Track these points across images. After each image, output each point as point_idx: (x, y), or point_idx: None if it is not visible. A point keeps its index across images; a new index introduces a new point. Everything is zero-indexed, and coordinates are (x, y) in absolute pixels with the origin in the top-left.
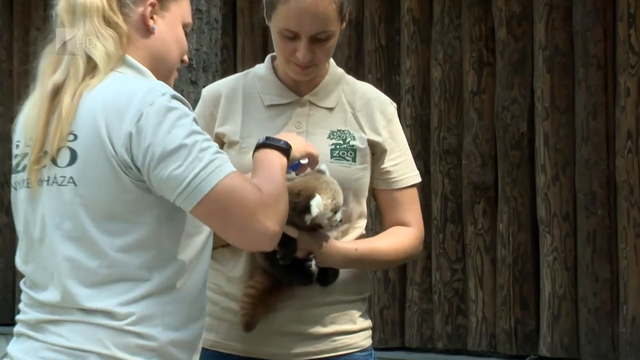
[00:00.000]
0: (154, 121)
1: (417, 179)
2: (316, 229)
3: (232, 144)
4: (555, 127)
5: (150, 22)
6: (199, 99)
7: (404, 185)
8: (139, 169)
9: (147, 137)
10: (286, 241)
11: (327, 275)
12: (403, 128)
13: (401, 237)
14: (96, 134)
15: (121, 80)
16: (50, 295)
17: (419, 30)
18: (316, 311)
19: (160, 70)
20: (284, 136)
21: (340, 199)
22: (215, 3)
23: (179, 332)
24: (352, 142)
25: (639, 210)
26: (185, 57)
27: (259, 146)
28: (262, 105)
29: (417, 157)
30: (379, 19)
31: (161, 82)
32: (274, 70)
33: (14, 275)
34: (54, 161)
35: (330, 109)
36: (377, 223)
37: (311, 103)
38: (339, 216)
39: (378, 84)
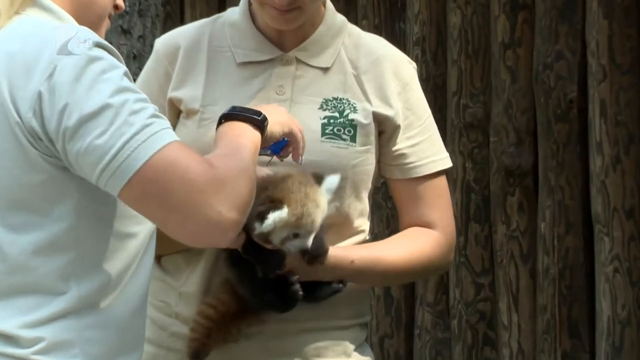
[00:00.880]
0: (71, 75)
1: (445, 163)
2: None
3: (190, 113)
4: (615, 92)
5: None
6: (132, 53)
7: (427, 173)
8: (51, 140)
9: (62, 96)
10: (270, 252)
11: (311, 289)
12: None
13: (419, 243)
14: None
15: (29, 25)
16: None
17: None
18: (295, 341)
19: (86, 17)
20: (261, 107)
21: (310, 224)
22: None
23: None
24: (351, 116)
25: None
26: (120, 1)
27: (224, 118)
28: (234, 62)
29: None
30: None
31: (83, 27)
32: (251, 16)
33: None
34: None
35: (325, 70)
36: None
37: (299, 61)
38: (298, 244)
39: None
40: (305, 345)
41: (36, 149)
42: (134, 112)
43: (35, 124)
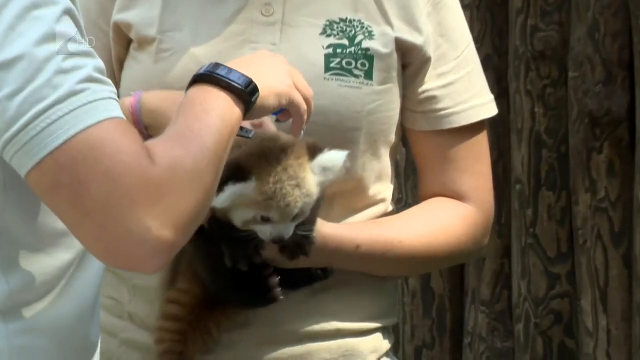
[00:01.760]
0: None
1: (488, 111)
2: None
3: (144, 42)
4: None
5: None
6: None
7: (463, 124)
8: None
9: None
10: (242, 235)
11: (303, 275)
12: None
13: (446, 220)
14: None
15: None
16: None
17: None
18: (289, 352)
19: None
20: (250, 63)
21: (284, 209)
22: None
23: None
24: (366, 43)
25: None
26: None
27: (198, 79)
28: None
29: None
30: None
31: None
32: None
33: None
34: None
35: None
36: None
37: None
38: (269, 231)
39: None
40: (308, 356)
41: None
42: (63, 72)
43: None
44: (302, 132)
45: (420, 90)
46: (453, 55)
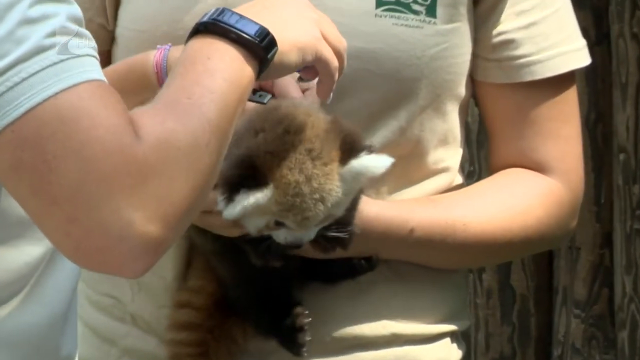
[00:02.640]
0: None
1: (580, 59)
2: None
3: None
4: None
5: None
6: None
7: (547, 75)
8: None
9: None
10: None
11: (343, 266)
12: None
13: (524, 198)
14: None
15: None
16: None
17: None
18: None
19: None
20: (265, 8)
21: (300, 222)
22: None
23: None
24: None
25: None
26: None
27: (199, 28)
28: None
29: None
30: None
31: None
32: None
33: None
34: None
35: None
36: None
37: None
38: (284, 236)
39: None
40: None
41: None
42: (29, 22)
43: None
44: (332, 94)
45: (495, 31)
46: None
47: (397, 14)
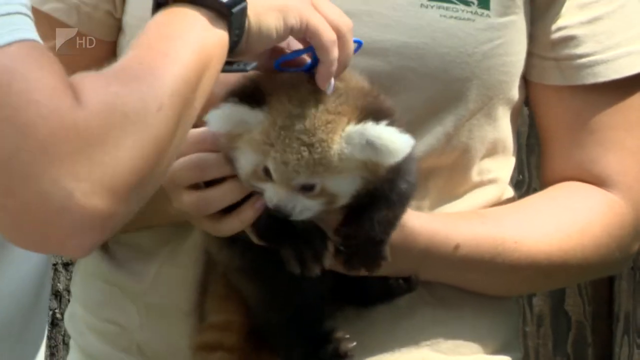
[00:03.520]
0: None
1: None
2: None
3: None
4: None
5: None
6: None
7: (613, 78)
8: None
9: None
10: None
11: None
12: None
13: (582, 215)
14: None
15: None
16: None
17: None
18: None
19: None
20: None
21: (287, 167)
22: None
23: None
24: None
25: None
26: None
27: (160, 2)
28: None
29: None
30: None
31: None
32: None
33: None
34: None
35: None
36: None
37: None
38: (267, 194)
39: None
40: None
41: None
42: None
43: None
44: (332, 82)
45: (554, 26)
46: None
47: (445, 4)
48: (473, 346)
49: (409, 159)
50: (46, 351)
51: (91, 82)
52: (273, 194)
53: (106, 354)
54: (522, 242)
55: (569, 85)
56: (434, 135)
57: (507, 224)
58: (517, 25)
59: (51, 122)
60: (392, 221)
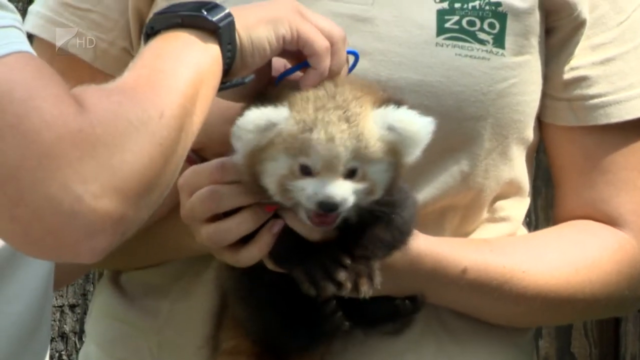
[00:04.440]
0: None
1: None
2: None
3: None
4: None
5: None
6: None
7: (625, 119)
8: None
9: None
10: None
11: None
12: None
13: (591, 251)
14: None
15: None
16: None
17: None
18: None
19: None
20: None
21: (333, 147)
22: None
23: None
24: None
25: None
26: None
27: (156, 22)
28: None
29: None
30: None
31: None
32: None
33: None
34: None
35: None
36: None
37: None
38: (311, 189)
39: None
40: None
41: None
42: None
43: None
44: None
45: (567, 67)
46: (616, 21)
47: (460, 43)
48: None
49: (408, 197)
50: None
51: (93, 92)
52: (319, 185)
53: None
54: (530, 272)
55: (582, 125)
56: (450, 174)
57: (515, 254)
58: (531, 65)
59: (56, 128)
60: (392, 198)
